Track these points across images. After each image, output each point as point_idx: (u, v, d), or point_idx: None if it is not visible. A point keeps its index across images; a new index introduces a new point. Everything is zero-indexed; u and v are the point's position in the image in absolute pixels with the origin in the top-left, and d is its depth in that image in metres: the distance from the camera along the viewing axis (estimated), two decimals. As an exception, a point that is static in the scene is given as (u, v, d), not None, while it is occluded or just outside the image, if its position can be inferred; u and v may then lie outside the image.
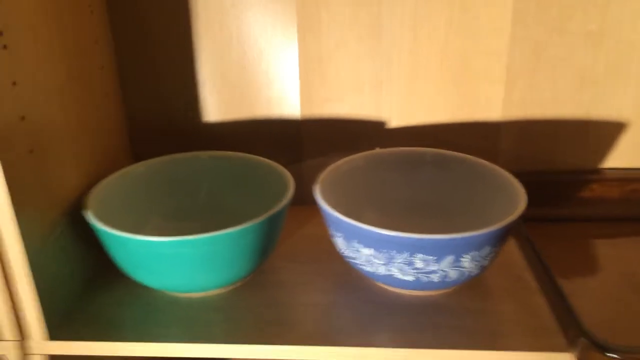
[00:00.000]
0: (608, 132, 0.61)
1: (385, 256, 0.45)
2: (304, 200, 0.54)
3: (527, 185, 0.51)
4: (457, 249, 0.43)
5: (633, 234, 0.62)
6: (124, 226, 0.50)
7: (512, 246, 0.57)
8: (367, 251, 0.45)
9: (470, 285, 0.51)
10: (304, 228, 0.59)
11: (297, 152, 0.62)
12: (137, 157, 0.61)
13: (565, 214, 0.63)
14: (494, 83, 0.59)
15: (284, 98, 0.60)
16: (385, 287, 0.50)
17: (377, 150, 0.60)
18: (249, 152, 0.56)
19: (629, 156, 0.63)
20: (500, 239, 0.45)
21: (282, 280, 0.52)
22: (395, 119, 0.61)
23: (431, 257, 0.43)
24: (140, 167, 0.55)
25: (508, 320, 0.47)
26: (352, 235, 0.46)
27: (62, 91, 0.47)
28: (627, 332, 0.47)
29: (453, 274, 0.45)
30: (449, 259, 0.44)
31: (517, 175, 0.53)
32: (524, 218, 0.48)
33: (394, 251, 0.44)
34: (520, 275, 0.53)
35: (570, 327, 0.45)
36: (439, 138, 0.61)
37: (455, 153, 0.56)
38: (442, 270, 0.45)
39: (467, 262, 0.45)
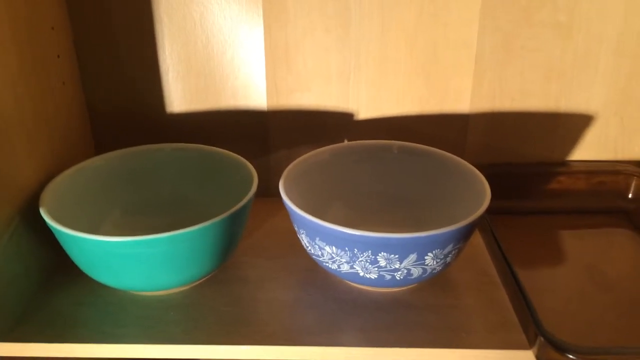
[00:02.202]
0: (576, 124, 0.61)
1: (348, 254, 0.44)
2: (270, 193, 0.54)
3: (495, 177, 0.51)
4: (420, 248, 0.43)
5: (599, 226, 0.62)
6: (82, 222, 0.49)
7: (477, 239, 0.57)
8: (329, 249, 0.45)
9: (435, 281, 0.50)
10: (269, 221, 0.58)
11: (263, 143, 0.61)
12: (99, 149, 0.59)
13: (532, 206, 0.63)
14: (463, 74, 0.58)
15: (250, 88, 0.58)
16: (350, 283, 0.50)
17: (345, 142, 0.60)
18: (215, 144, 0.55)
19: (597, 148, 0.63)
20: (463, 236, 0.45)
21: (246, 277, 0.51)
22: (364, 111, 0.60)
23: (394, 256, 0.43)
24: (99, 160, 0.53)
25: (471, 316, 0.47)
26: (314, 232, 0.45)
27: (14, 81, 0.45)
28: (588, 329, 0.48)
29: (416, 272, 0.45)
30: (412, 257, 0.43)
31: (485, 167, 0.52)
32: (490, 211, 0.48)
33: (357, 250, 0.43)
34: (484, 270, 0.53)
35: (529, 324, 0.45)
36: (407, 130, 0.60)
37: (422, 146, 0.55)
38: (405, 269, 0.44)
39: (430, 260, 0.44)
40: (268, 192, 0.55)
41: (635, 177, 0.64)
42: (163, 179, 0.56)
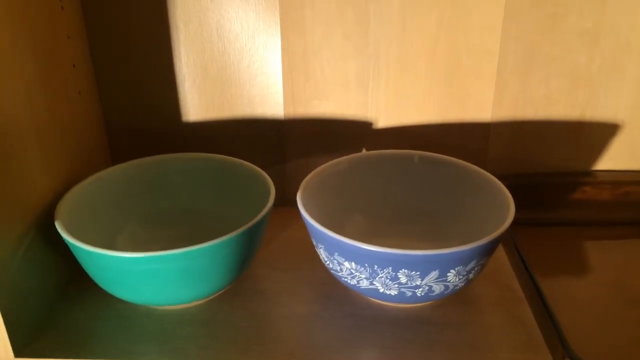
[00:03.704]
0: (602, 133, 0.59)
1: (367, 271, 0.43)
2: (286, 202, 0.53)
3: (517, 187, 0.49)
4: (442, 265, 0.42)
5: (625, 237, 0.60)
6: (98, 234, 0.49)
7: (499, 251, 0.55)
8: (349, 265, 0.44)
9: (456, 296, 0.49)
10: (286, 231, 0.58)
11: (280, 152, 0.60)
12: (115, 159, 0.59)
13: (556, 217, 0.62)
14: (485, 82, 0.57)
15: (267, 96, 0.57)
16: (369, 298, 0.49)
17: (364, 152, 0.58)
18: (231, 153, 0.54)
19: (622, 158, 0.61)
20: (487, 252, 0.44)
21: (262, 290, 0.50)
22: (383, 119, 0.59)
23: (415, 273, 0.42)
24: (115, 170, 0.52)
25: (494, 334, 0.46)
26: (333, 248, 0.44)
27: (29, 91, 0.45)
28: (617, 348, 0.46)
29: (438, 288, 0.44)
30: (434, 274, 0.42)
31: (507, 177, 0.51)
32: (513, 222, 0.46)
33: (377, 266, 0.42)
34: (507, 284, 0.51)
35: (556, 345, 0.44)
36: (427, 139, 0.59)
37: (444, 156, 0.54)
38: (426, 285, 0.43)
39: (453, 277, 0.43)
40: (284, 201, 0.54)
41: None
42: (179, 189, 0.55)
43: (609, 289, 0.53)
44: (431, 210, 0.55)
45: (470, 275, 0.45)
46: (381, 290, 0.44)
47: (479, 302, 0.49)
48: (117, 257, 0.40)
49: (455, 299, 0.49)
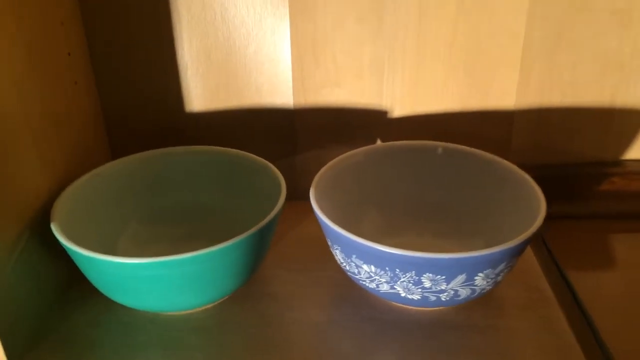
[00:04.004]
0: (632, 120, 0.56)
1: (388, 274, 0.40)
2: (297, 195, 0.49)
3: (542, 178, 0.46)
4: (470, 268, 0.39)
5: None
6: (98, 234, 0.46)
7: (526, 250, 0.52)
8: (367, 268, 0.40)
9: (481, 298, 0.46)
10: (297, 228, 0.54)
11: (290, 143, 0.57)
12: (115, 153, 0.55)
13: (583, 209, 0.58)
14: (509, 67, 0.53)
15: (275, 84, 0.54)
16: (389, 301, 0.46)
17: (380, 143, 0.55)
18: (238, 144, 0.51)
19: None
20: (516, 253, 0.40)
21: (274, 293, 0.47)
22: (399, 108, 0.55)
23: (440, 277, 0.39)
24: (115, 165, 0.49)
25: (522, 338, 0.43)
26: (351, 250, 0.41)
27: (21, 81, 0.41)
28: None
29: (464, 292, 0.40)
30: (460, 278, 0.39)
31: (532, 167, 0.48)
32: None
33: (398, 270, 0.39)
34: (535, 284, 0.48)
35: (592, 347, 0.41)
36: (446, 128, 0.56)
37: (468, 148, 0.50)
38: (452, 290, 0.40)
39: (481, 280, 0.40)
40: (295, 194, 0.50)
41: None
42: (183, 184, 0.52)
43: None
44: (454, 205, 0.51)
45: (499, 278, 0.41)
46: (403, 295, 0.41)
47: (504, 304, 0.46)
48: (118, 263, 0.37)
49: (479, 300, 0.46)
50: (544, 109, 0.55)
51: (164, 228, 0.50)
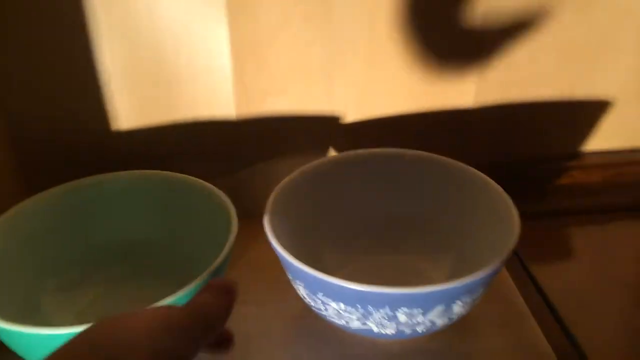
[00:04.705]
0: (592, 112, 0.54)
1: (359, 312, 0.36)
2: (247, 213, 0.44)
3: (504, 177, 0.43)
4: (448, 298, 0.35)
5: (621, 225, 0.56)
6: (14, 292, 0.39)
7: None
8: (336, 305, 0.36)
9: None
10: (250, 252, 0.49)
11: (234, 158, 0.51)
12: (30, 188, 0.47)
13: (545, 206, 0.56)
14: (465, 63, 0.49)
15: (214, 94, 0.48)
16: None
17: (334, 154, 0.50)
18: (175, 166, 0.45)
19: (612, 137, 0.56)
20: (494, 275, 0.37)
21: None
22: (352, 113, 0.50)
23: (416, 310, 0.35)
24: (33, 202, 0.42)
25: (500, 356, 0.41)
26: (316, 287, 0.36)
27: None
28: (632, 354, 0.42)
29: (441, 322, 0.37)
30: (439, 308, 0.35)
31: (492, 166, 0.45)
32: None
33: (370, 307, 0.35)
34: (508, 298, 0.46)
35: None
36: (403, 132, 0.52)
37: (435, 156, 0.46)
38: (429, 321, 0.36)
39: (459, 308, 0.37)
40: (245, 213, 0.45)
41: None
42: (116, 216, 0.45)
43: (614, 287, 0.48)
44: (421, 217, 0.48)
45: (476, 302, 0.38)
46: (376, 331, 0.37)
47: (479, 324, 0.43)
48: (39, 335, 0.31)
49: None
50: (503, 106, 0.52)
51: (96, 271, 0.44)
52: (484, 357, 0.41)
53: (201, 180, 0.43)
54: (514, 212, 0.40)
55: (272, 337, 0.42)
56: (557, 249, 0.52)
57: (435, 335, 0.42)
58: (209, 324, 0.26)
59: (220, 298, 0.27)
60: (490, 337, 0.42)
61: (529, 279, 0.45)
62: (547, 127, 0.54)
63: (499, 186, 0.42)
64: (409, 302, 0.34)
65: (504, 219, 0.40)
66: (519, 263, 0.47)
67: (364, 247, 0.47)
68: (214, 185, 0.43)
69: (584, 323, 0.42)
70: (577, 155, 0.57)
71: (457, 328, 0.42)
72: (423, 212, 0.47)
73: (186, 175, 0.44)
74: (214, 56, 0.46)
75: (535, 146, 0.55)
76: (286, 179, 0.44)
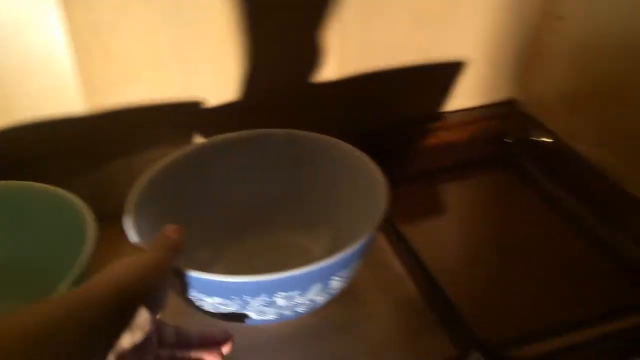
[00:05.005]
0: (449, 72, 0.56)
1: (237, 303, 0.34)
2: (111, 215, 0.40)
3: (371, 145, 0.43)
4: (325, 275, 0.35)
5: (483, 178, 0.59)
6: None
7: None
8: (211, 300, 0.35)
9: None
10: (117, 256, 0.45)
11: (86, 157, 0.47)
12: None
13: (413, 169, 0.58)
14: (326, 36, 0.49)
15: (55, 90, 0.43)
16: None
17: (200, 141, 0.48)
18: (17, 173, 0.40)
19: (470, 96, 0.59)
20: (369, 245, 0.37)
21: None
22: (213, 97, 0.48)
23: (294, 292, 0.34)
24: None
25: (386, 328, 0.42)
26: (186, 285, 0.34)
27: None
28: (501, 310, 0.44)
29: (321, 298, 0.37)
30: (317, 287, 0.35)
31: (358, 135, 0.45)
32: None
33: (246, 296, 0.34)
34: (385, 261, 0.47)
35: (456, 330, 0.40)
36: (267, 111, 0.50)
37: (305, 132, 0.45)
38: (309, 301, 0.36)
39: (337, 283, 0.37)
40: (106, 215, 0.41)
41: (511, 119, 0.61)
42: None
43: (486, 245, 0.50)
44: (295, 194, 0.47)
45: (354, 273, 0.38)
46: (255, 318, 0.36)
47: (361, 293, 0.44)
48: None
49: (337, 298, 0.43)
50: (365, 75, 0.52)
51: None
52: (369, 327, 0.42)
53: (51, 187, 0.39)
54: (382, 180, 0.40)
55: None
56: (427, 209, 0.54)
57: (318, 311, 0.42)
58: None
59: None
60: (371, 303, 0.43)
61: (402, 242, 0.46)
62: (409, 92, 0.55)
63: (364, 154, 0.43)
64: (285, 286, 0.33)
65: (373, 186, 0.40)
66: (392, 228, 0.47)
67: (240, 232, 0.46)
68: (75, 186, 0.39)
69: (454, 279, 0.43)
70: (439, 116, 0.59)
71: (340, 301, 0.42)
72: (295, 189, 0.47)
73: (33, 182, 0.40)
74: (52, 47, 0.42)
75: (399, 111, 0.56)
76: (146, 174, 0.41)
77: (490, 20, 0.53)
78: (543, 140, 0.58)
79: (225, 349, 0.33)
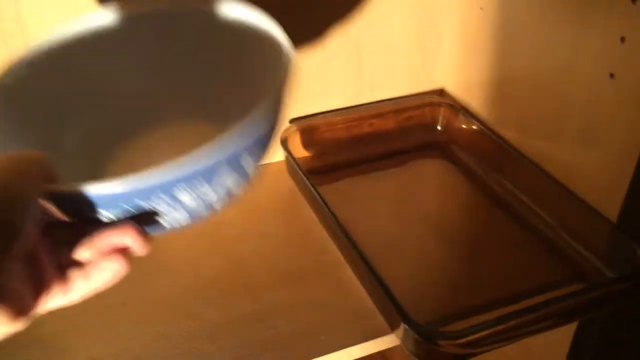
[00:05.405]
0: (379, 61, 0.59)
1: (130, 212, 0.29)
2: None
3: (303, 134, 0.44)
4: (232, 154, 0.30)
5: (415, 164, 0.60)
6: None
7: (308, 211, 0.53)
8: (106, 215, 0.29)
9: (277, 274, 0.47)
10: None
11: None
12: None
13: (351, 158, 0.59)
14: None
15: None
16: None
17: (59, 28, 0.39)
18: None
19: (401, 84, 0.61)
20: (276, 111, 0.33)
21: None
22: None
23: (198, 181, 0.30)
24: None
25: (323, 310, 0.43)
26: (67, 206, 0.29)
27: None
28: (437, 289, 0.45)
29: (238, 185, 0.32)
30: (225, 170, 0.30)
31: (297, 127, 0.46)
32: (313, 172, 0.45)
33: (138, 199, 0.29)
34: (323, 246, 0.49)
35: (388, 308, 0.41)
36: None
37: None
38: (222, 189, 0.31)
39: (249, 161, 0.32)
40: None
41: (441, 107, 0.63)
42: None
43: (419, 227, 0.52)
44: (194, 79, 0.41)
45: (270, 143, 0.34)
46: (167, 227, 0.32)
47: (300, 277, 0.46)
48: None
49: (275, 279, 0.46)
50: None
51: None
52: (307, 310, 0.43)
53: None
54: (287, 46, 0.35)
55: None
56: (363, 196, 0.55)
57: (256, 290, 0.44)
58: None
59: None
60: (310, 288, 0.45)
61: (339, 229, 0.46)
62: (340, 82, 0.57)
63: (268, 22, 0.38)
64: (181, 180, 0.28)
65: (278, 64, 0.35)
66: (331, 215, 0.47)
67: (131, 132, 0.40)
68: None
69: (389, 262, 0.45)
70: (372, 104, 0.60)
71: (279, 282, 0.46)
72: (200, 73, 0.42)
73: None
74: None
75: (332, 101, 0.57)
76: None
77: (417, 9, 0.57)
78: (472, 128, 0.59)
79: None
